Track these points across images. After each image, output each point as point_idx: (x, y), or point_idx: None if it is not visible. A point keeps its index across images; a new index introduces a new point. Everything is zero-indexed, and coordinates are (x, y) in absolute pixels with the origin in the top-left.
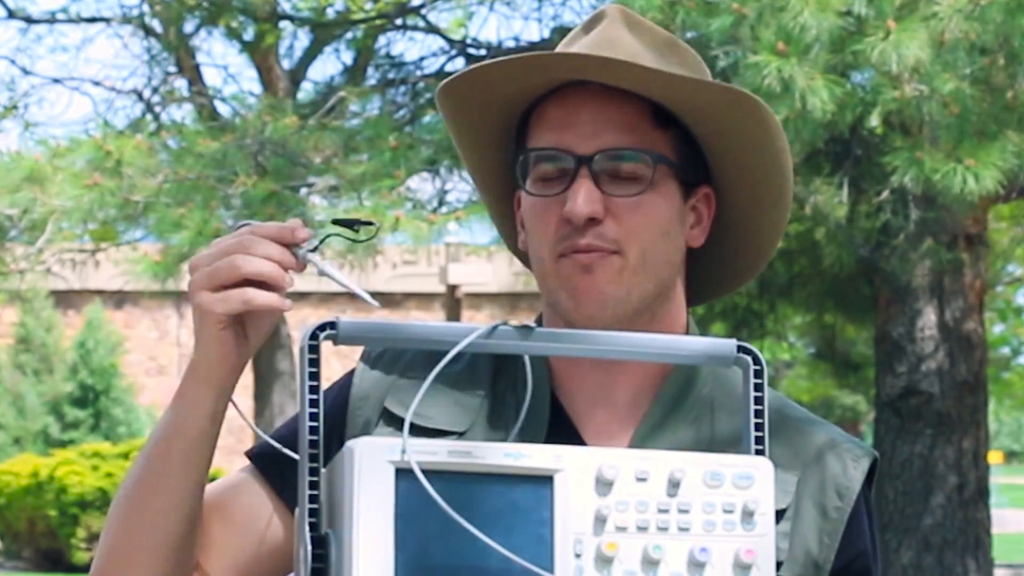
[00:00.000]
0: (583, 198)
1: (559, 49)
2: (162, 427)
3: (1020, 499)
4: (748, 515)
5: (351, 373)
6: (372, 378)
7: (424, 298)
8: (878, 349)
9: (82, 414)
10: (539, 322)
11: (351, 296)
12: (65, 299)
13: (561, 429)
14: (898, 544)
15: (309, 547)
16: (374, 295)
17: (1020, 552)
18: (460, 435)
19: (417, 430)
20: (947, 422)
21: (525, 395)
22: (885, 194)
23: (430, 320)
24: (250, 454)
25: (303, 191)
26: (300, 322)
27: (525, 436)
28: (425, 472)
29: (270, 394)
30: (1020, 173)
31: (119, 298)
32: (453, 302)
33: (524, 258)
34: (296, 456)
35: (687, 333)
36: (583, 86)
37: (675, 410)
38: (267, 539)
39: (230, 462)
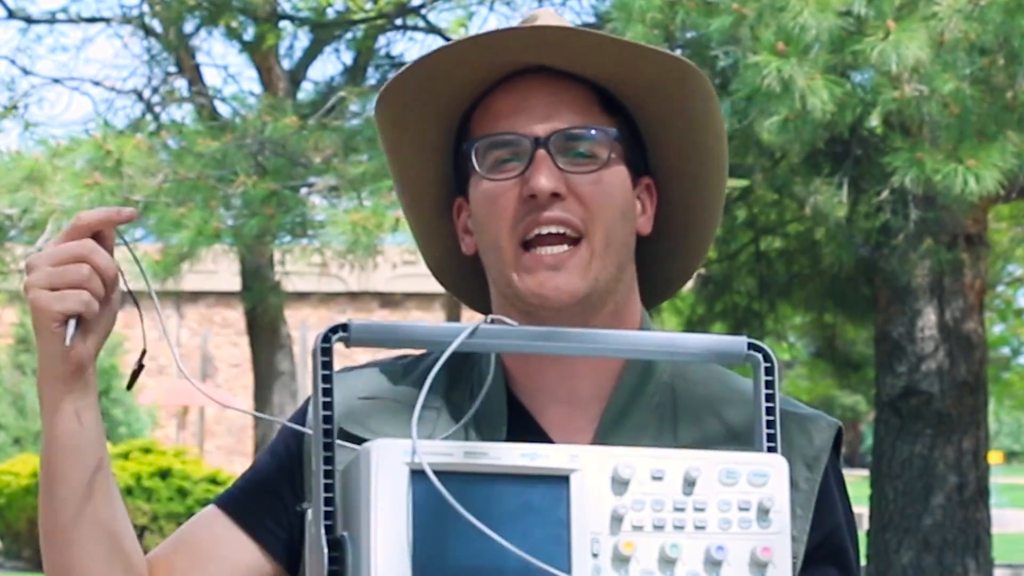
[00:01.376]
0: (546, 174)
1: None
2: (43, 444)
3: (1020, 499)
4: (764, 513)
5: (306, 402)
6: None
7: (424, 298)
8: (878, 349)
9: None
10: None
11: (351, 296)
12: None
13: (523, 427)
14: (898, 544)
15: (326, 550)
16: (375, 295)
17: (1020, 552)
18: None
19: None
20: (947, 422)
21: (483, 402)
22: (885, 194)
23: (430, 320)
24: (215, 502)
25: (303, 191)
26: (300, 321)
27: (484, 437)
28: (441, 473)
29: (270, 394)
30: (1020, 173)
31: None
32: (453, 302)
33: (449, 272)
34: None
35: (641, 324)
36: (529, 75)
37: (637, 397)
38: (235, 570)
39: (230, 462)
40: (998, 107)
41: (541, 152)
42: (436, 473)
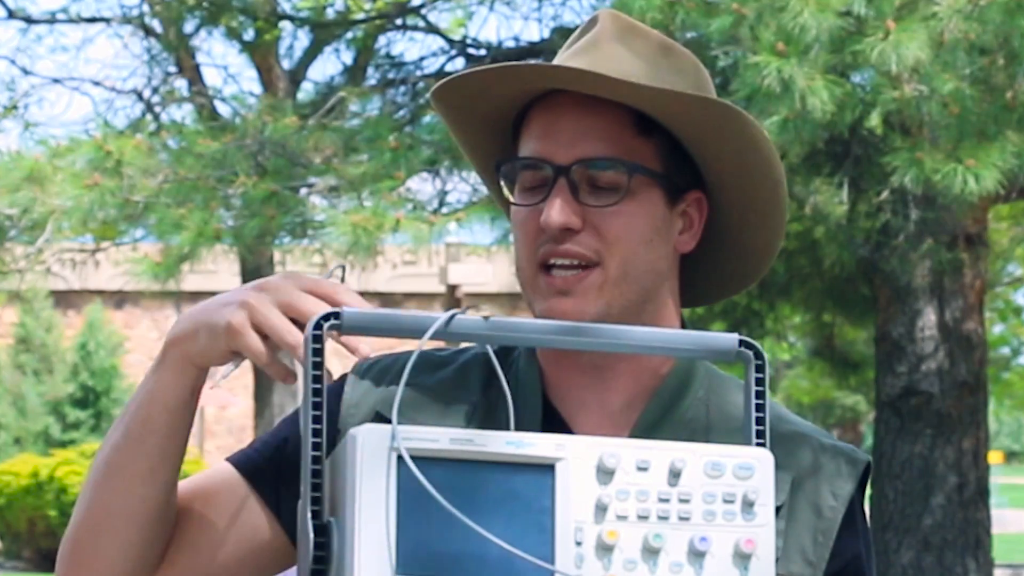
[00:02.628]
0: (557, 208)
1: (560, 53)
2: (142, 395)
3: (1020, 499)
4: (748, 505)
5: (343, 379)
6: (363, 387)
7: (424, 298)
8: (878, 349)
9: (83, 415)
10: None
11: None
12: (65, 299)
13: (556, 431)
14: (898, 544)
15: (311, 535)
16: (375, 295)
17: (1020, 552)
18: None
19: None
20: (947, 422)
21: (516, 400)
22: (885, 194)
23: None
24: (232, 460)
25: (303, 191)
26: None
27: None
28: (427, 459)
29: (270, 394)
30: (1020, 173)
31: (119, 298)
32: (453, 302)
33: None
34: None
35: None
36: (566, 94)
37: (671, 411)
38: (247, 540)
39: None
40: (998, 107)
41: (560, 182)
42: (423, 459)
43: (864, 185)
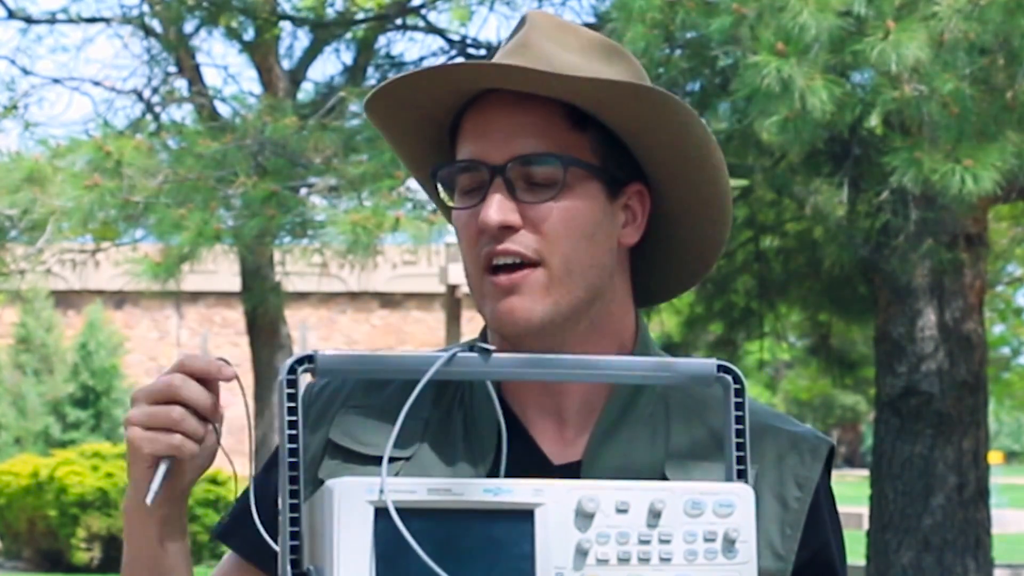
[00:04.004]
0: (495, 207)
1: (495, 58)
2: (124, 561)
3: (1020, 499)
4: (729, 543)
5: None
6: (314, 413)
7: (424, 298)
8: (878, 349)
9: (83, 415)
10: (484, 332)
11: (351, 296)
12: (65, 299)
13: (513, 437)
14: (898, 544)
15: None
16: (375, 295)
17: (1020, 552)
18: (406, 460)
19: (361, 458)
20: (947, 422)
21: (472, 409)
22: (885, 194)
23: (429, 320)
24: (217, 532)
25: (303, 191)
26: (300, 321)
27: (474, 449)
28: (405, 511)
29: (270, 395)
30: (1020, 173)
31: (119, 298)
32: (453, 302)
33: None
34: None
35: (636, 333)
36: (496, 94)
37: (629, 410)
38: None
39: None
40: (998, 107)
41: (497, 182)
42: (401, 511)
43: (864, 185)
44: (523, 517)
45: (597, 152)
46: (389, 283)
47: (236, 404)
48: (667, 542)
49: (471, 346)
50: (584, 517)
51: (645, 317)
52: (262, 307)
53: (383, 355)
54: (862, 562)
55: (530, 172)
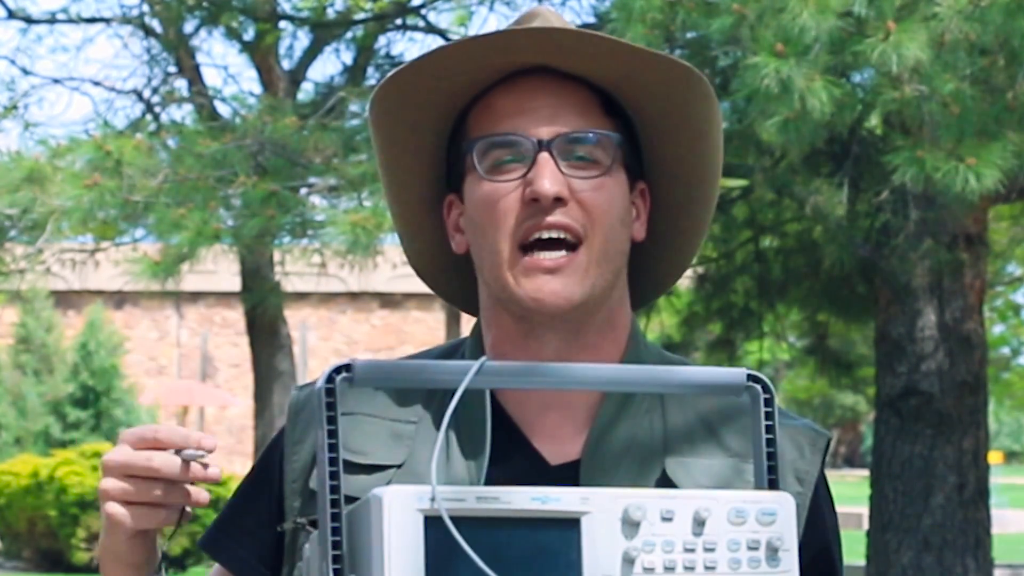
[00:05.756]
0: (550, 178)
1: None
2: None
3: (1020, 499)
4: (773, 551)
5: (286, 424)
6: (304, 422)
7: (424, 298)
8: (878, 349)
9: (83, 415)
10: (476, 326)
11: (351, 296)
12: (65, 299)
13: (510, 440)
14: (898, 544)
15: None
16: (375, 295)
17: (1020, 552)
18: (398, 467)
19: (353, 467)
20: (947, 422)
21: (465, 412)
22: (885, 194)
23: (429, 320)
24: (202, 543)
25: (303, 191)
26: (300, 322)
27: (467, 454)
28: (454, 519)
29: (270, 395)
30: (1020, 173)
31: (119, 298)
32: None
33: (431, 268)
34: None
35: (631, 329)
36: (531, 75)
37: (627, 404)
38: None
39: (230, 462)
40: (998, 107)
41: (544, 155)
42: (450, 520)
43: (864, 185)
44: (570, 525)
45: (624, 144)
46: (389, 283)
47: (236, 404)
48: (711, 551)
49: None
50: (630, 526)
51: (644, 317)
52: (262, 307)
53: (420, 363)
54: (862, 562)
55: (578, 149)
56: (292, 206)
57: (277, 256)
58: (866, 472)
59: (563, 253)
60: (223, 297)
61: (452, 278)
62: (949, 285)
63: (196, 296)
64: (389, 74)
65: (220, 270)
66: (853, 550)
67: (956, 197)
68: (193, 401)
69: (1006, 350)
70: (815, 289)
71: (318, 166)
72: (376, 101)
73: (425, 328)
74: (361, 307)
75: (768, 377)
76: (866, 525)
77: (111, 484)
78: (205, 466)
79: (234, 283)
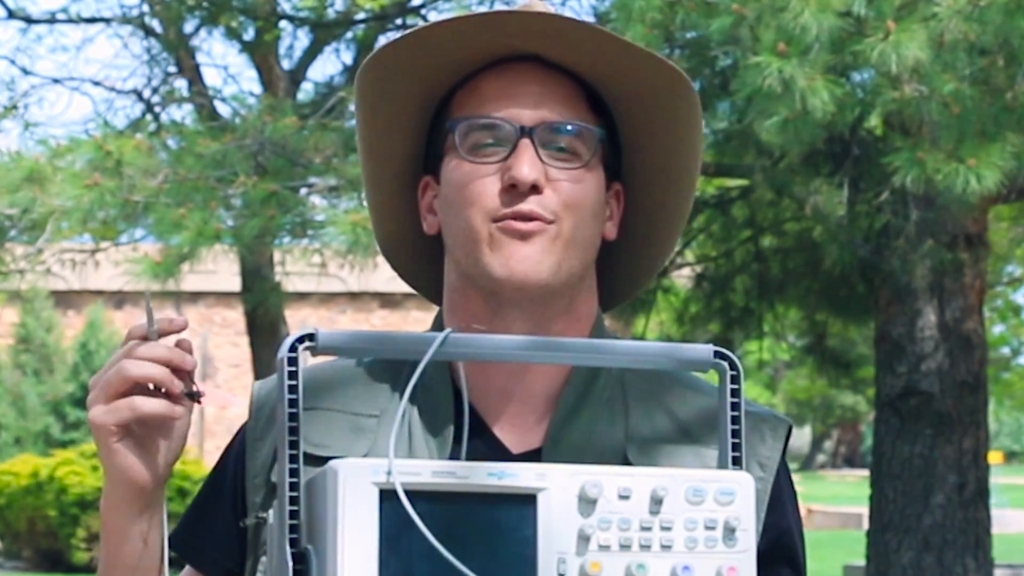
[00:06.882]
0: (529, 164)
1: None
2: (102, 562)
3: (1020, 499)
4: (730, 531)
5: (248, 420)
6: (265, 416)
7: (424, 298)
8: (878, 349)
9: (83, 415)
10: (438, 316)
11: (351, 296)
12: (65, 299)
13: (472, 428)
14: (898, 544)
15: (290, 563)
16: (375, 295)
17: (1020, 552)
18: (364, 456)
19: (315, 460)
20: (947, 422)
21: (429, 399)
22: (885, 194)
23: (429, 320)
24: (171, 541)
25: (303, 191)
26: (300, 322)
27: (431, 442)
28: (409, 493)
29: None
30: (1020, 174)
31: (119, 298)
32: None
33: (399, 250)
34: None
35: (594, 325)
36: (520, 62)
37: (588, 392)
38: None
39: None
40: (998, 108)
41: (525, 141)
42: (405, 493)
43: (864, 185)
44: (526, 501)
45: (604, 139)
46: (389, 283)
47: (236, 404)
48: (668, 529)
49: (461, 328)
50: (587, 503)
51: (644, 317)
52: (262, 307)
53: (382, 334)
54: (862, 562)
55: (559, 139)
56: (292, 206)
57: (277, 256)
58: (866, 472)
59: (537, 223)
60: (223, 297)
61: (420, 263)
62: (949, 285)
63: (196, 296)
64: (379, 46)
65: (220, 270)
66: (853, 550)
67: (956, 197)
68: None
69: (1006, 350)
70: (815, 289)
71: (318, 166)
72: (363, 71)
73: (425, 328)
74: (361, 307)
75: (768, 377)
76: (866, 525)
77: (91, 394)
78: (193, 395)
79: (234, 283)
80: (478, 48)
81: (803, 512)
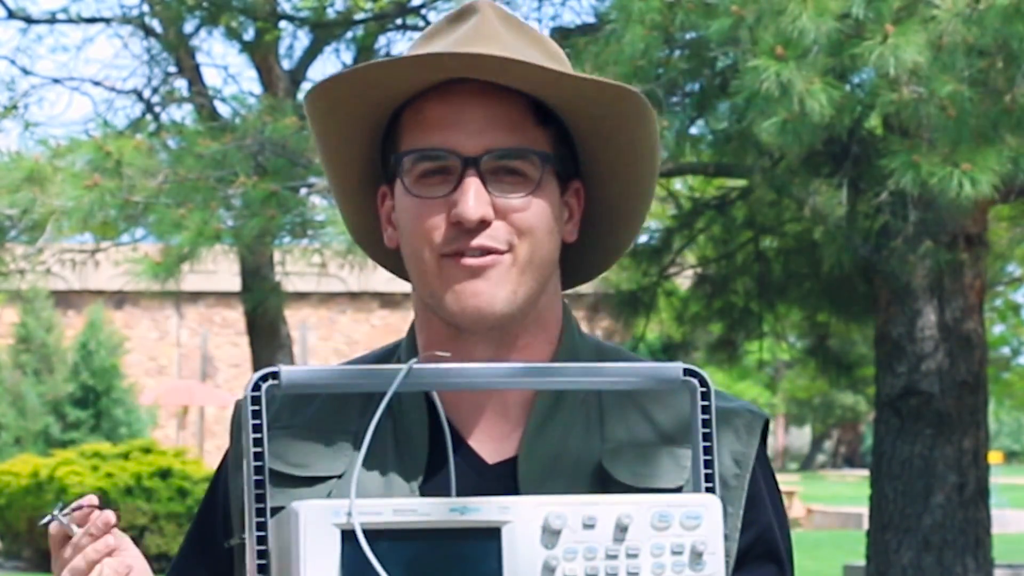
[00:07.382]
0: (473, 201)
1: (419, 41)
2: None
3: (1020, 499)
4: (697, 556)
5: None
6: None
7: None
8: (878, 349)
9: (83, 414)
10: (412, 328)
11: (351, 296)
12: (65, 299)
13: (445, 437)
14: (898, 544)
15: None
16: (375, 295)
17: (1020, 552)
18: (338, 478)
19: (292, 480)
20: (947, 422)
21: (402, 417)
22: (884, 195)
23: None
24: (174, 569)
25: (303, 191)
26: (300, 322)
27: (406, 460)
28: (372, 532)
29: None
30: (1019, 174)
31: (119, 298)
32: None
33: (380, 254)
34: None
35: (563, 324)
36: (464, 83)
37: (562, 399)
38: None
39: None
40: (996, 110)
41: (470, 177)
42: (367, 533)
43: (863, 186)
44: (490, 535)
45: (554, 148)
46: (389, 283)
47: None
48: (634, 556)
49: (425, 359)
50: (551, 534)
51: (645, 317)
52: (262, 307)
53: (346, 369)
54: (862, 562)
55: (506, 165)
56: (292, 206)
57: (277, 256)
58: (866, 472)
59: (490, 256)
60: (223, 297)
61: (393, 254)
62: (949, 285)
63: (196, 296)
64: (316, 83)
65: (220, 270)
66: (853, 550)
67: (952, 202)
68: (193, 401)
69: (1006, 350)
70: (815, 289)
71: (318, 166)
72: (308, 101)
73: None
74: (361, 307)
75: (768, 377)
76: (866, 525)
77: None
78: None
79: (234, 283)
80: (419, 80)
81: (803, 512)
